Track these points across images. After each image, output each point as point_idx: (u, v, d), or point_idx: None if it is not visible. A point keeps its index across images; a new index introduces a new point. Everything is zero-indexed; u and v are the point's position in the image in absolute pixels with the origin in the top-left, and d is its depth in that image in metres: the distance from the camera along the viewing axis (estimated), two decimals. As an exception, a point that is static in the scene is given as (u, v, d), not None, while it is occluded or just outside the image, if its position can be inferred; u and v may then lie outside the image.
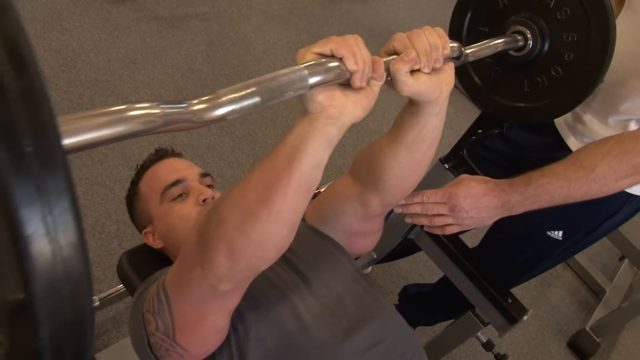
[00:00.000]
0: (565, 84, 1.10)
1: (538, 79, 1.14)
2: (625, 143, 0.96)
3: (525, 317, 1.42)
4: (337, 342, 0.87)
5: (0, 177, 0.26)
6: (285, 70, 0.58)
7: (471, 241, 1.60)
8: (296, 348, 0.86)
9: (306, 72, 0.59)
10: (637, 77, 1.14)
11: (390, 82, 0.71)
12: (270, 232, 0.66)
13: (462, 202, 1.03)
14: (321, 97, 0.63)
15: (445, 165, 1.42)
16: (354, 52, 0.62)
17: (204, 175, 1.15)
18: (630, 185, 0.99)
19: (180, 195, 1.10)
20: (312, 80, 0.59)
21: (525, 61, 1.11)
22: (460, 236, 1.50)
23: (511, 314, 1.42)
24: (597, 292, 2.77)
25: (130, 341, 0.93)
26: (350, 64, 0.62)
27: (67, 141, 0.39)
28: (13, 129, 0.27)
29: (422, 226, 1.50)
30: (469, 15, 1.20)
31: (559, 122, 1.37)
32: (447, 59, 0.78)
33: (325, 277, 0.96)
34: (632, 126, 1.20)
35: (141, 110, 0.45)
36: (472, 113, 1.36)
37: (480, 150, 1.48)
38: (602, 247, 3.14)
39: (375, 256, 1.73)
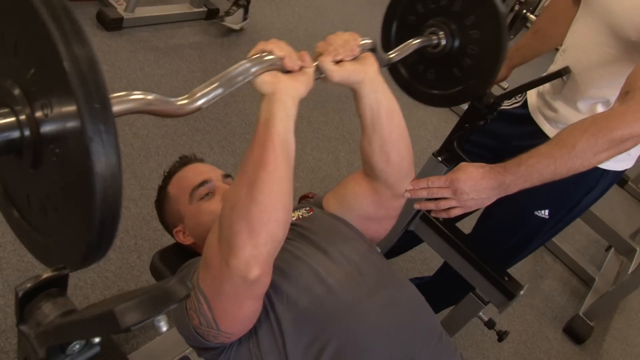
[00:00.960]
0: (473, 73, 1.36)
1: (453, 70, 1.39)
2: (599, 122, 1.09)
3: (521, 292, 1.55)
4: (360, 302, 0.99)
5: (82, 117, 0.49)
6: (235, 65, 0.84)
7: (466, 230, 1.74)
8: (325, 309, 0.97)
9: (248, 64, 0.85)
10: (598, 64, 1.31)
11: (325, 77, 0.96)
12: (274, 190, 0.83)
13: (463, 186, 1.14)
14: (268, 78, 0.86)
15: (439, 158, 1.56)
16: (277, 46, 0.87)
17: (226, 176, 1.28)
18: (607, 159, 1.10)
19: (207, 194, 1.23)
20: (254, 69, 0.85)
21: (441, 56, 1.36)
22: (457, 224, 1.65)
23: (509, 290, 1.55)
24: (587, 281, 2.92)
25: (178, 331, 1.04)
26: (277, 53, 0.87)
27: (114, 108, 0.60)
28: (91, 100, 0.49)
29: (421, 217, 1.65)
30: (394, 25, 1.46)
31: (533, 111, 1.54)
32: (365, 50, 1.03)
33: (342, 249, 1.08)
34: (599, 108, 1.36)
35: (142, 95, 0.70)
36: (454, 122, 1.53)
37: (467, 145, 1.63)
38: (588, 241, 3.31)
39: (379, 250, 1.86)
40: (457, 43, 1.34)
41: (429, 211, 1.58)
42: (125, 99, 0.67)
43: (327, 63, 0.95)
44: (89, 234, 0.53)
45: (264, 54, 0.87)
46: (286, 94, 0.87)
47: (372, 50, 1.06)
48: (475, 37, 1.32)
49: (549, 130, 1.47)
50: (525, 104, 1.60)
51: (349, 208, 1.18)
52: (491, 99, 1.46)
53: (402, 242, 1.80)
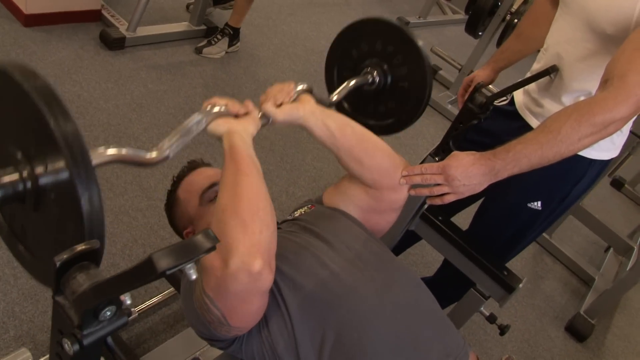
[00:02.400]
0: (404, 105, 1.57)
1: (388, 103, 1.59)
2: (581, 108, 1.14)
3: (520, 285, 1.60)
4: (363, 285, 1.04)
5: (71, 172, 0.66)
6: (190, 119, 1.04)
7: (464, 227, 1.80)
8: (329, 292, 1.02)
9: (200, 116, 1.05)
10: (578, 59, 1.39)
11: (272, 121, 1.15)
12: (254, 185, 0.98)
13: (455, 172, 1.17)
14: (220, 122, 1.07)
15: (436, 158, 1.63)
16: (218, 98, 1.09)
17: None
18: (592, 143, 1.15)
19: (216, 197, 1.29)
20: (205, 119, 1.06)
21: (377, 91, 1.56)
22: (455, 222, 1.70)
23: (508, 284, 1.60)
24: (587, 281, 2.96)
25: (190, 324, 1.08)
26: (220, 102, 1.08)
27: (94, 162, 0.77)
28: (76, 159, 0.67)
29: (420, 217, 1.70)
30: (335, 69, 1.67)
31: (520, 108, 1.61)
32: (301, 92, 1.22)
33: (343, 238, 1.13)
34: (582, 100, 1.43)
35: (116, 150, 0.89)
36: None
37: (463, 144, 1.69)
38: (587, 242, 3.36)
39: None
40: (389, 79, 1.54)
41: (427, 207, 1.65)
42: (103, 153, 0.87)
43: (269, 107, 1.13)
44: None
45: (210, 107, 1.08)
46: (238, 131, 1.06)
47: (309, 92, 1.25)
48: (404, 73, 1.52)
49: (536, 124, 1.54)
50: (512, 102, 1.67)
51: (350, 202, 1.24)
52: (483, 99, 1.53)
53: (400, 241, 1.85)
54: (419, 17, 4.97)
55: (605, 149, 1.47)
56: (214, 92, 2.93)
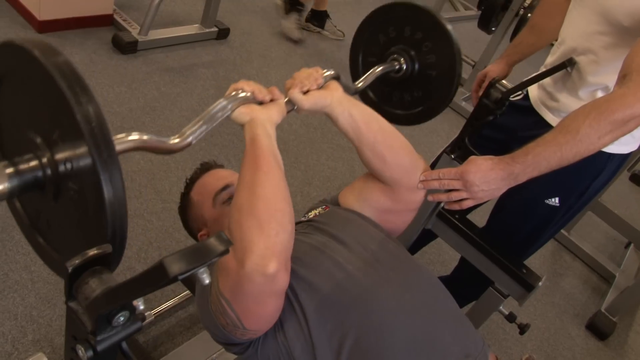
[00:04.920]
0: (432, 93, 1.53)
1: (414, 92, 1.55)
2: (600, 106, 1.11)
3: (540, 284, 1.57)
4: (380, 286, 1.02)
5: (93, 158, 0.62)
6: (214, 105, 0.99)
7: (480, 224, 1.77)
8: (346, 294, 1.00)
9: (225, 102, 1.00)
10: (594, 52, 1.36)
11: (297, 109, 1.11)
12: (272, 185, 0.93)
13: (473, 177, 1.16)
14: (244, 110, 1.01)
15: (452, 155, 1.60)
16: (245, 84, 1.03)
17: None
18: (612, 141, 1.12)
19: (229, 198, 1.27)
20: (230, 105, 1.00)
21: (403, 79, 1.52)
22: (471, 219, 1.68)
23: (527, 282, 1.57)
24: (607, 278, 2.91)
25: (204, 327, 1.07)
26: (246, 88, 1.03)
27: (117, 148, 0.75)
28: (99, 144, 0.62)
29: (437, 215, 1.68)
30: (360, 55, 1.63)
31: (535, 103, 1.58)
32: (328, 79, 1.17)
33: (358, 239, 1.11)
34: (599, 94, 1.40)
35: (138, 136, 0.84)
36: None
37: (478, 140, 1.67)
38: (607, 238, 3.30)
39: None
40: (416, 67, 1.50)
41: (444, 208, 1.63)
42: (125, 139, 0.82)
43: (295, 94, 1.09)
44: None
45: (236, 93, 1.02)
46: (262, 120, 1.00)
47: (336, 78, 1.20)
48: (432, 61, 1.49)
49: (552, 119, 1.51)
50: (527, 97, 1.64)
51: (366, 202, 1.22)
52: (499, 95, 1.50)
53: (416, 239, 1.83)
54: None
55: (624, 143, 1.43)
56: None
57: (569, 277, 2.86)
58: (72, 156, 0.65)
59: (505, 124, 1.63)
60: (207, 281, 0.53)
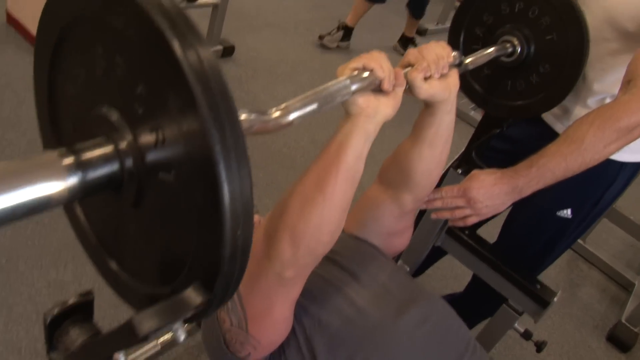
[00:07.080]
0: (554, 78, 1.31)
1: (530, 78, 1.34)
2: (604, 114, 1.09)
3: (555, 299, 1.52)
4: (391, 320, 0.99)
5: (209, 143, 0.41)
6: (333, 82, 0.76)
7: (491, 240, 1.72)
8: (357, 330, 0.97)
9: (348, 81, 0.77)
10: (600, 59, 1.32)
11: (409, 89, 0.90)
12: (325, 215, 0.80)
13: (476, 194, 1.15)
14: (360, 101, 0.80)
15: (458, 170, 1.56)
16: (380, 64, 0.80)
17: None
18: (618, 149, 1.09)
19: None
20: (353, 87, 0.77)
21: (516, 64, 1.31)
22: (482, 234, 1.63)
23: (542, 298, 1.52)
24: (626, 287, 2.83)
25: (205, 348, 1.05)
26: (379, 73, 0.80)
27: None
28: (218, 113, 0.42)
29: (446, 232, 1.64)
30: (462, 35, 1.42)
31: (544, 113, 1.54)
32: (452, 65, 0.96)
33: (369, 270, 1.08)
34: (607, 102, 1.36)
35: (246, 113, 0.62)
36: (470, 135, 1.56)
37: (485, 152, 1.63)
38: (624, 245, 3.22)
39: (408, 269, 1.85)
40: (532, 49, 1.29)
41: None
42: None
43: (417, 80, 0.89)
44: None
45: (362, 72, 0.79)
46: (372, 120, 0.81)
47: (459, 65, 1.01)
48: (553, 40, 1.25)
49: (560, 128, 1.47)
50: None
51: (370, 227, 1.18)
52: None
53: (426, 256, 1.79)
54: (437, 23, 4.91)
55: (637, 151, 1.39)
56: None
57: (586, 287, 2.79)
58: (171, 138, 0.43)
59: (512, 135, 1.59)
60: (182, 337, 0.50)
